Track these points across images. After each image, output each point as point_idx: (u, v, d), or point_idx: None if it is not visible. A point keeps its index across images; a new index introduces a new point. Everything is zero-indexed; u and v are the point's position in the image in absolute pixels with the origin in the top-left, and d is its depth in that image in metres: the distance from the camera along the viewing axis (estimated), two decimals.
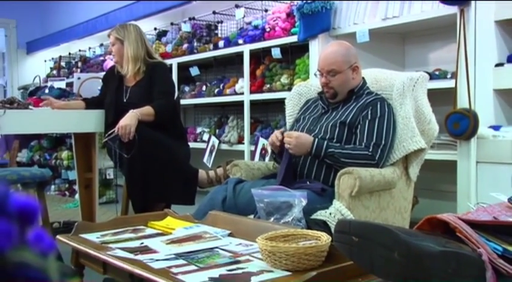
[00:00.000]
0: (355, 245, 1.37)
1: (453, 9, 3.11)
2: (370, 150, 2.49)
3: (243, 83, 4.84)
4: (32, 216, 0.52)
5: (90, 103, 3.65)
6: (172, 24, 6.07)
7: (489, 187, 2.85)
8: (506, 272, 1.24)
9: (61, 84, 4.34)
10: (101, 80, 3.86)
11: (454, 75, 3.15)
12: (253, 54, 4.75)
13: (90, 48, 8.09)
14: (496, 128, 3.08)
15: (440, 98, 3.18)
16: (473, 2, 3.02)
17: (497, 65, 3.15)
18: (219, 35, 5.40)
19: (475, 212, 1.51)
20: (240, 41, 4.85)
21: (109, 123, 3.45)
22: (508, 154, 2.88)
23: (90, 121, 3.55)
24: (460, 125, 3.01)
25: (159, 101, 3.40)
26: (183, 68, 5.63)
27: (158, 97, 3.42)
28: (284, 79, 4.45)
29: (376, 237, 1.33)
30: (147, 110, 3.32)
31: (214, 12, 5.37)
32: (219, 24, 5.49)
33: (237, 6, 5.02)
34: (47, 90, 3.97)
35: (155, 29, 6.36)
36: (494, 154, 2.96)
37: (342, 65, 2.64)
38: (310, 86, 3.10)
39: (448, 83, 3.26)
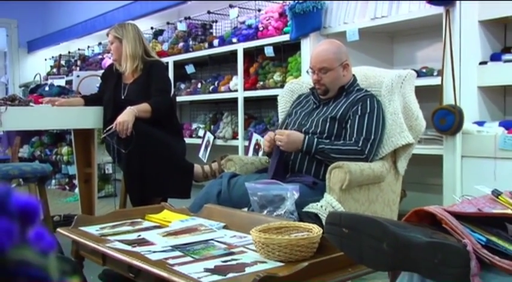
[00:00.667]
0: (345, 237, 1.38)
1: (439, 10, 3.15)
2: (360, 144, 2.53)
3: (237, 81, 4.86)
4: (33, 214, 0.51)
5: (89, 100, 3.67)
6: (168, 23, 6.08)
7: (473, 180, 2.90)
8: (490, 261, 1.23)
9: (61, 82, 4.35)
10: (99, 78, 3.87)
11: (440, 73, 3.19)
12: (247, 52, 4.77)
13: (89, 47, 8.07)
14: (480, 123, 3.13)
15: (427, 95, 3.23)
16: (458, 3, 3.06)
17: (481, 63, 3.19)
18: (214, 34, 5.41)
19: (460, 204, 1.49)
20: (234, 40, 4.86)
21: (107, 119, 3.48)
22: (491, 148, 2.92)
23: (89, 117, 3.58)
24: (446, 120, 3.04)
25: (156, 98, 3.42)
26: (179, 66, 5.64)
27: (155, 94, 3.44)
28: (277, 76, 4.47)
29: (366, 228, 1.34)
30: (144, 107, 3.35)
31: (209, 12, 5.38)
32: (214, 24, 5.50)
33: (231, 6, 5.03)
34: (47, 88, 3.97)
35: (152, 28, 6.36)
36: (479, 149, 3.00)
37: (333, 63, 2.69)
38: (302, 83, 3.13)
39: (434, 80, 3.30)
